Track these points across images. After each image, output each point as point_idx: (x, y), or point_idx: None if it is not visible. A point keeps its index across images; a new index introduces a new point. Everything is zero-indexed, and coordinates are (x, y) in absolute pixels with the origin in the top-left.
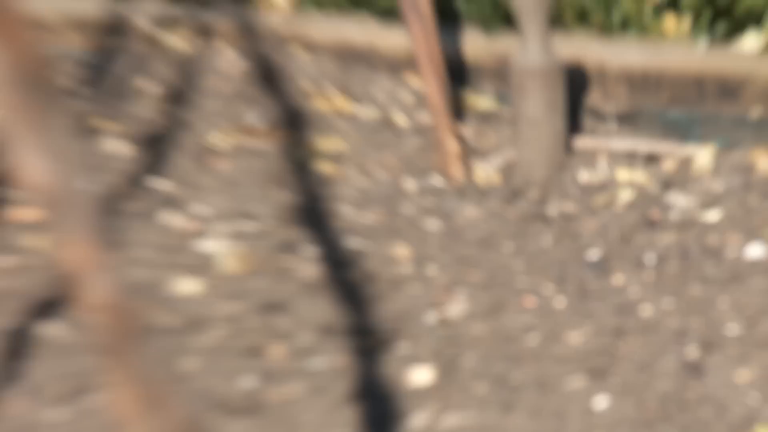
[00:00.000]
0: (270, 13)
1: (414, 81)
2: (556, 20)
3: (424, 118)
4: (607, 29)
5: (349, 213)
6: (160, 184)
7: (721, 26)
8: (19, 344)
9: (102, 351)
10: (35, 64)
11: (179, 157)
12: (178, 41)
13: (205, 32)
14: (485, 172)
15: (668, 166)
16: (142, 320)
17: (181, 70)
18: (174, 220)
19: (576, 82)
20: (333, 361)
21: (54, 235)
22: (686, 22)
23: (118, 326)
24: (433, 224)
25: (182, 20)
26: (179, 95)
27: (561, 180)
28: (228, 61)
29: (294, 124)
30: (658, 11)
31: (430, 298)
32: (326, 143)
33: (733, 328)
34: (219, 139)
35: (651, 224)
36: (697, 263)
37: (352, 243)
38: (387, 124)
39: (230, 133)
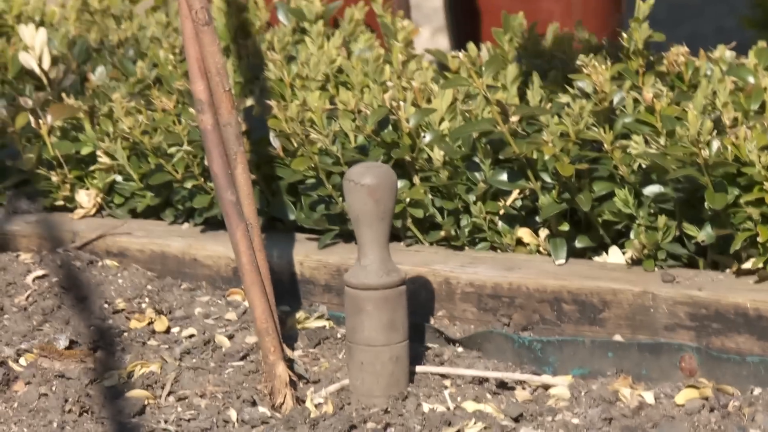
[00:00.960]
0: (75, 218)
1: (239, 296)
2: (400, 229)
3: (250, 339)
4: (455, 241)
5: None
6: None
7: (582, 241)
8: None
9: None
10: None
11: None
12: None
13: (4, 240)
14: (317, 400)
15: (521, 395)
16: None
17: None
18: None
19: (420, 300)
20: None
21: None
22: (542, 234)
23: None
24: None
25: None
26: None
27: (402, 411)
28: (29, 273)
29: (104, 345)
30: (512, 223)
31: None
32: (141, 367)
33: None
34: (21, 361)
35: None
36: None
37: None
38: (208, 345)
39: (33, 355)
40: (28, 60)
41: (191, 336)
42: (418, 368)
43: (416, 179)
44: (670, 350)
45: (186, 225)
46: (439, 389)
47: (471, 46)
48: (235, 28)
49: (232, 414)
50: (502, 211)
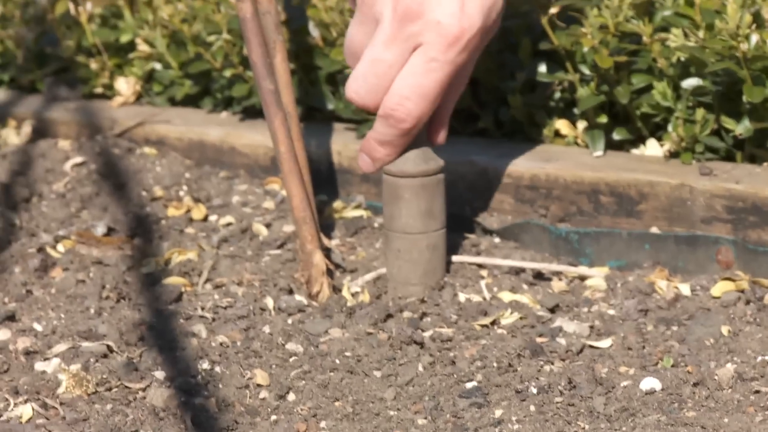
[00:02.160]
0: (114, 105)
1: (276, 185)
2: None
3: (287, 227)
4: (492, 132)
5: (202, 333)
6: None
7: (620, 133)
8: None
9: None
10: None
11: (13, 267)
12: (12, 135)
13: (44, 126)
14: (354, 289)
15: (557, 286)
16: None
17: (16, 169)
18: (8, 337)
19: (457, 190)
20: None
21: None
22: (580, 126)
23: None
24: (294, 347)
25: (18, 113)
26: (13, 197)
27: (438, 300)
28: (68, 160)
29: (142, 232)
30: (550, 115)
31: (290, 429)
32: (178, 255)
33: None
34: (59, 247)
35: (536, 351)
36: (586, 396)
37: (205, 366)
38: (245, 233)
39: (71, 241)
40: None
41: (229, 224)
42: (455, 258)
43: None
44: (707, 243)
45: (224, 114)
46: (476, 279)
47: None
48: None
49: (269, 302)
50: (540, 103)
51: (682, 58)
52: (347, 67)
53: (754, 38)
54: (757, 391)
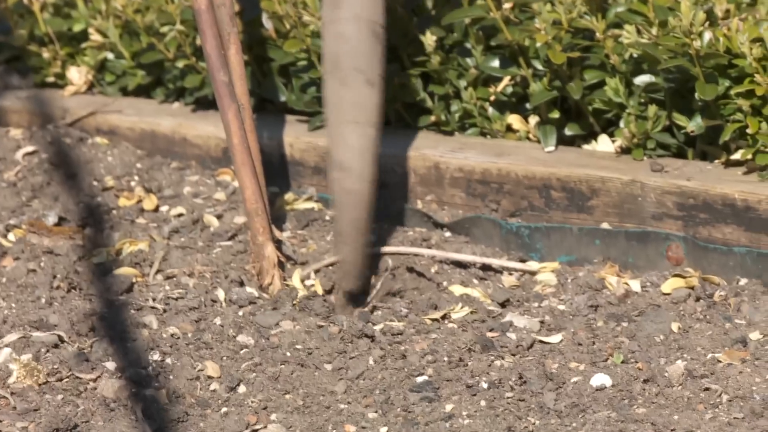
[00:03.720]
0: (65, 94)
1: (228, 177)
2: (391, 113)
3: (238, 219)
4: (445, 126)
5: (153, 324)
6: None
7: (572, 128)
8: None
9: None
10: None
11: None
12: None
13: None
14: (305, 281)
15: (508, 281)
16: None
17: None
18: None
19: (408, 184)
20: None
21: None
22: (532, 121)
23: None
24: (245, 340)
25: None
26: None
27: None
28: (19, 149)
29: (93, 222)
30: (503, 109)
31: (240, 422)
32: (129, 245)
33: None
34: (9, 236)
35: (487, 346)
36: (537, 391)
37: (156, 357)
38: (196, 224)
39: (22, 231)
40: None
41: (180, 215)
42: (404, 249)
43: (407, 63)
44: (658, 239)
45: (176, 104)
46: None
47: None
48: None
49: (220, 294)
50: (492, 98)
51: (635, 55)
52: (300, 59)
53: (708, 36)
54: (707, 389)
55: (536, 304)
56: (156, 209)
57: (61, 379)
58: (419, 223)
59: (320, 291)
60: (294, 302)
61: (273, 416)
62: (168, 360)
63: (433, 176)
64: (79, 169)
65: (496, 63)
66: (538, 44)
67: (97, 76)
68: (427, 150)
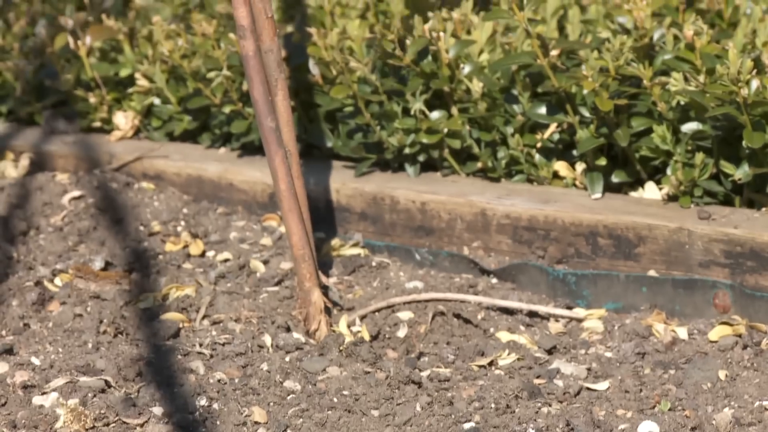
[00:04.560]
0: (112, 139)
1: (274, 222)
2: (437, 159)
3: (285, 264)
4: (492, 172)
5: (200, 369)
6: None
7: (618, 175)
8: None
9: None
10: None
11: (11, 301)
12: (10, 168)
13: (42, 159)
14: (351, 327)
15: (554, 327)
16: None
17: (14, 203)
18: (6, 371)
19: (455, 230)
20: None
21: None
22: (579, 168)
23: None
24: (292, 385)
25: (16, 145)
26: (10, 230)
27: (436, 339)
28: (66, 194)
29: (139, 267)
30: (549, 156)
31: None
32: (175, 290)
33: None
34: (56, 281)
35: (534, 393)
36: None
37: (203, 403)
38: (243, 270)
39: (69, 275)
40: None
41: (226, 260)
42: (451, 295)
43: (454, 110)
44: (704, 287)
45: (223, 149)
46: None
47: None
48: None
49: (267, 339)
50: (539, 144)
51: (682, 102)
52: (346, 105)
53: (755, 84)
54: None
55: (583, 351)
56: (202, 254)
57: (108, 424)
58: (466, 269)
59: (367, 337)
60: (341, 348)
61: None
62: (215, 405)
63: (479, 222)
64: (125, 213)
65: (542, 110)
66: (585, 91)
67: (143, 121)
68: (473, 196)
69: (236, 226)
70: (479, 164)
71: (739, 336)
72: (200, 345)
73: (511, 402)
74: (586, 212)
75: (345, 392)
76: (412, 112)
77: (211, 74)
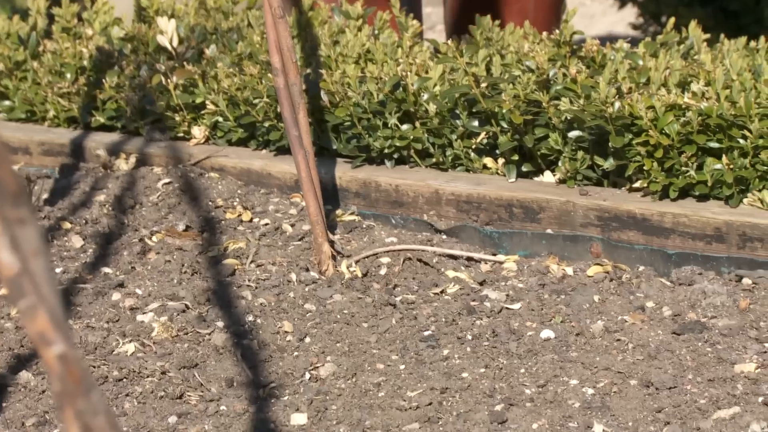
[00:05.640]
0: (190, 145)
1: (298, 199)
2: (406, 157)
3: (305, 227)
4: (442, 165)
5: (248, 296)
6: (110, 271)
7: (526, 166)
8: None
9: (58, 396)
10: (3, 169)
11: (123, 251)
12: (123, 164)
13: (144, 158)
14: (349, 268)
15: (484, 268)
16: (91, 372)
17: (125, 186)
18: (119, 298)
19: (418, 203)
20: (235, 407)
21: (16, 302)
22: (500, 162)
23: (72, 377)
24: (310, 307)
25: (127, 149)
26: (123, 205)
27: (404, 275)
28: (160, 180)
29: (209, 229)
30: (480, 154)
31: (306, 362)
32: (232, 244)
33: (529, 390)
34: (153, 239)
35: (470, 311)
36: (504, 341)
37: (250, 319)
38: (277, 230)
39: (161, 235)
40: (162, 40)
41: (266, 224)
42: (415, 246)
43: (417, 124)
44: (584, 240)
45: (264, 151)
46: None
47: (454, 37)
48: (302, 21)
49: (293, 276)
50: (474, 146)
51: (569, 117)
52: (346, 121)
53: (617, 104)
54: (618, 339)
55: (503, 283)
56: (250, 220)
57: (186, 333)
58: (425, 229)
59: (359, 275)
60: (342, 282)
61: (328, 358)
62: (258, 320)
63: (434, 198)
64: (199, 194)
65: (476, 123)
66: (504, 110)
67: (211, 132)
68: (430, 181)
69: (273, 202)
70: (434, 160)
71: (607, 272)
72: (248, 280)
73: (455, 317)
74: (506, 191)
75: (345, 311)
76: (389, 125)
77: (256, 101)
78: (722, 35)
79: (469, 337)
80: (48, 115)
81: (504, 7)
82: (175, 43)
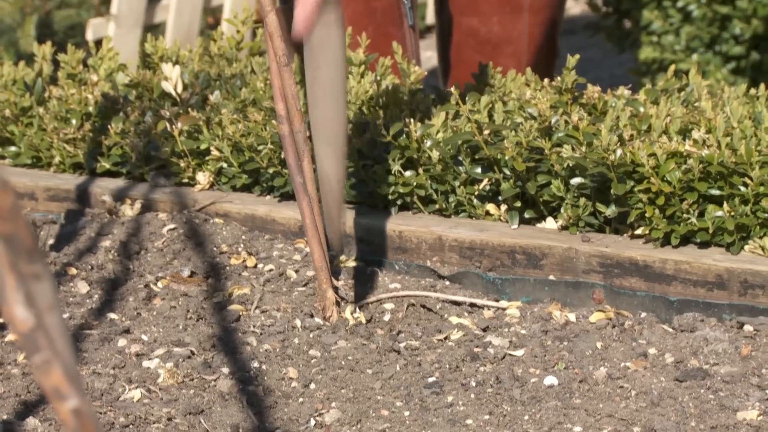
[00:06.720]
0: (195, 190)
1: (302, 245)
2: (409, 203)
3: (309, 273)
4: (445, 211)
5: (253, 342)
6: (115, 317)
7: (529, 213)
8: None
9: None
10: (19, 225)
11: (128, 297)
12: (128, 210)
13: (149, 204)
14: (353, 314)
15: (487, 314)
16: (99, 419)
17: (130, 232)
18: (125, 344)
19: (421, 249)
20: None
21: (31, 357)
22: (503, 208)
23: (86, 431)
24: (315, 353)
25: (132, 195)
26: (129, 250)
27: (408, 322)
28: (165, 226)
29: (213, 275)
30: (483, 200)
31: (311, 408)
32: (237, 290)
33: None
34: (159, 284)
35: (474, 357)
36: (508, 388)
37: (255, 365)
38: (282, 276)
39: (167, 281)
40: (167, 86)
41: (271, 270)
42: (419, 293)
43: (420, 170)
44: (586, 286)
45: (268, 197)
46: (434, 308)
47: (456, 85)
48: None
49: (298, 322)
50: (477, 192)
51: (571, 164)
52: (350, 167)
53: (619, 152)
54: (621, 386)
55: (506, 330)
56: (255, 266)
57: (192, 379)
58: (428, 275)
59: (363, 321)
60: (346, 328)
61: (333, 404)
62: (263, 366)
63: (437, 244)
64: (204, 239)
65: (479, 170)
66: (507, 157)
67: (215, 178)
68: (433, 227)
69: (277, 247)
70: (437, 206)
71: (610, 319)
72: (253, 326)
73: (459, 364)
74: (508, 237)
75: (349, 357)
76: (392, 172)
77: (260, 147)
78: (722, 82)
79: (473, 384)
80: (54, 161)
81: (496, 50)
82: (180, 89)
